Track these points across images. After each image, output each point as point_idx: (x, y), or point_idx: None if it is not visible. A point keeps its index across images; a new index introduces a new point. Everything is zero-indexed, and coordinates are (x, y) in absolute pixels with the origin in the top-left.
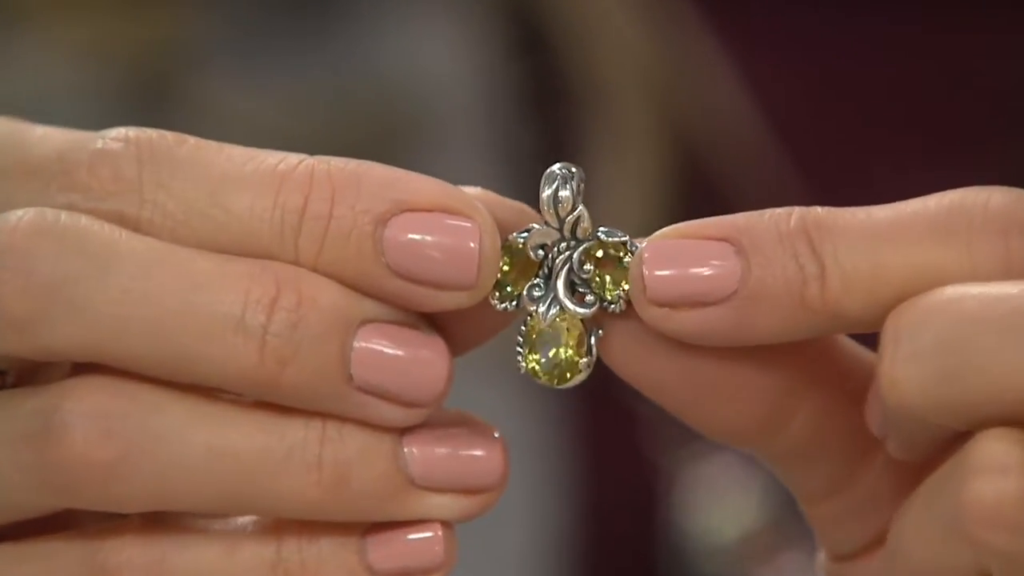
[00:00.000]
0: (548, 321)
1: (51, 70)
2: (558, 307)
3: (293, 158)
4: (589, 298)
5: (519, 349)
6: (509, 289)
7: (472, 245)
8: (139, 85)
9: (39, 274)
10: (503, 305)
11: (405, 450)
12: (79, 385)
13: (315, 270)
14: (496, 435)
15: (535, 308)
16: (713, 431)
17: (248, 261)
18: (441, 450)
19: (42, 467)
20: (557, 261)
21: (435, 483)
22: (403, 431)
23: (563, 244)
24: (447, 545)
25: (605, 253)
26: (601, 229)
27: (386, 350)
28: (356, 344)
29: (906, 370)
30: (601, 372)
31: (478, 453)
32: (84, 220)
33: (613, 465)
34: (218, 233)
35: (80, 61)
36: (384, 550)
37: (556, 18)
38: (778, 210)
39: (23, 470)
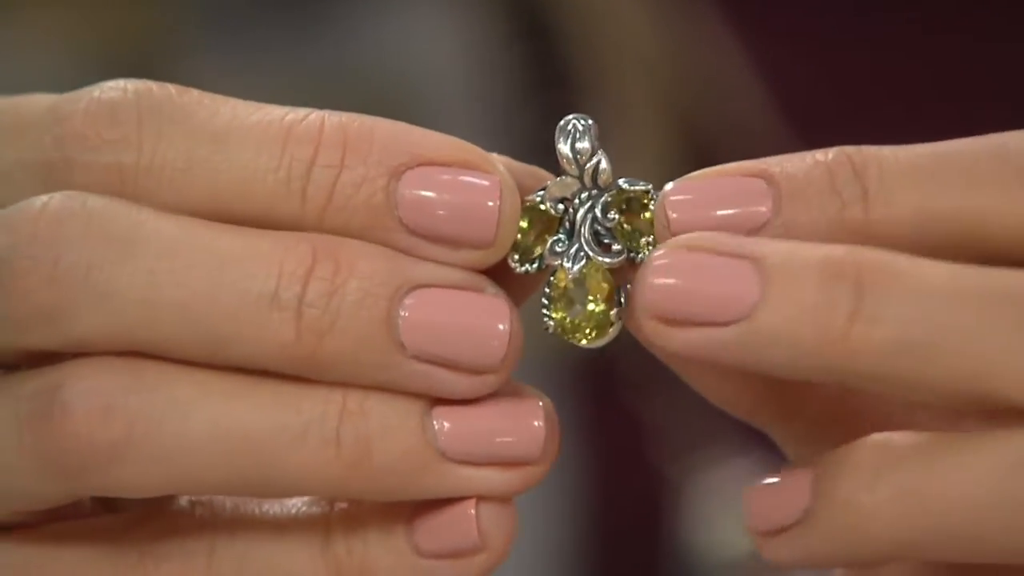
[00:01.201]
0: (575, 274)
1: (32, 58)
2: (585, 258)
3: (302, 110)
4: (616, 247)
5: (544, 309)
6: (529, 251)
7: (491, 203)
8: (124, 72)
9: (65, 262)
10: (523, 268)
11: (435, 423)
12: (81, 364)
13: (320, 224)
14: (540, 403)
15: (560, 262)
16: (728, 407)
17: (280, 233)
18: (473, 420)
19: (45, 450)
20: (580, 212)
21: (469, 456)
22: (433, 403)
23: (584, 194)
24: (487, 523)
25: (628, 203)
26: (621, 179)
27: (436, 315)
28: (404, 311)
29: (866, 328)
30: (608, 382)
31: (515, 423)
32: (109, 203)
33: (620, 475)
34: (221, 184)
35: (62, 48)
36: (429, 530)
37: (559, 5)
38: (814, 151)
39: (27, 454)
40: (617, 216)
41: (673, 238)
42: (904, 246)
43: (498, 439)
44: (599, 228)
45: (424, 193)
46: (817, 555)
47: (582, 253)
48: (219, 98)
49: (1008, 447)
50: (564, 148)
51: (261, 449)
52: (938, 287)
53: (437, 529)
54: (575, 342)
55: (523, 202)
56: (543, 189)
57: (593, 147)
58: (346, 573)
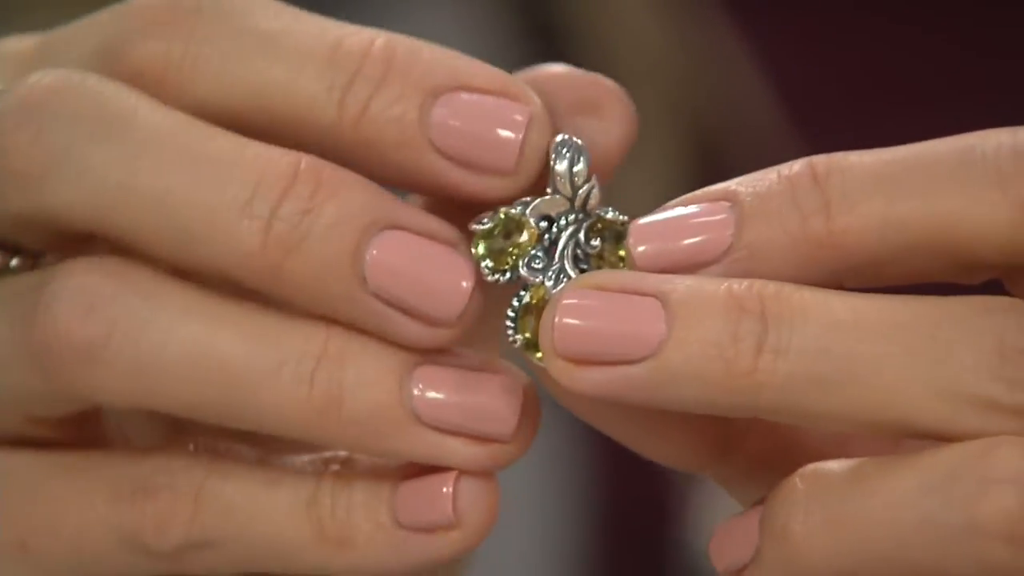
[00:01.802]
0: (554, 294)
1: None
2: (566, 279)
3: (356, 27)
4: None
5: (510, 322)
6: (504, 259)
7: (517, 133)
8: None
9: (49, 131)
10: (495, 277)
11: (413, 384)
12: (73, 264)
13: (355, 133)
14: (522, 384)
15: (540, 279)
16: (662, 458)
17: (270, 147)
18: (452, 388)
19: (29, 344)
20: (565, 234)
21: (441, 423)
22: (416, 364)
23: (572, 216)
24: (464, 501)
25: (607, 232)
26: (602, 207)
27: (403, 258)
28: (373, 248)
29: (774, 363)
30: None
31: (493, 399)
32: (108, 85)
33: (627, 478)
34: (265, 85)
35: None
36: (409, 502)
37: (566, 4)
38: (781, 165)
39: (18, 349)
40: (600, 243)
41: (579, 277)
42: (872, 255)
43: (473, 411)
44: (579, 252)
45: (455, 115)
46: None
47: (564, 276)
48: (281, 4)
49: (921, 470)
50: (561, 167)
51: (235, 378)
52: (842, 318)
53: (416, 502)
54: (537, 360)
55: (498, 210)
56: (524, 202)
57: (589, 170)
58: (327, 533)
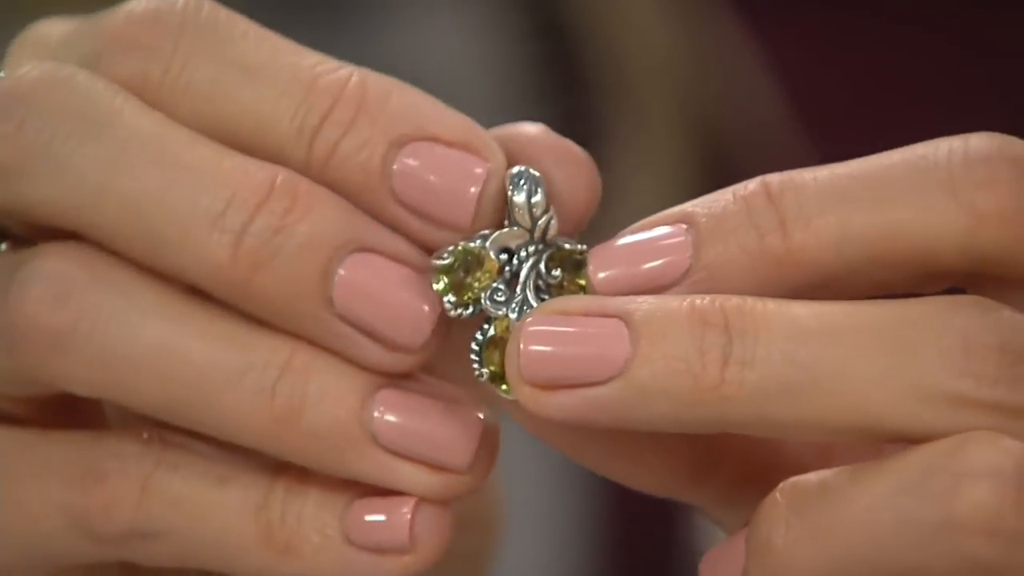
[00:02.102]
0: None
1: None
2: (529, 310)
3: (334, 63)
4: None
5: (475, 356)
6: (461, 292)
7: (473, 190)
8: None
9: (32, 125)
10: (457, 311)
11: (375, 405)
12: (48, 248)
13: (321, 176)
14: (482, 418)
15: (503, 312)
16: (638, 484)
17: (250, 159)
18: (413, 414)
19: (3, 328)
20: (526, 265)
21: (398, 447)
22: (379, 387)
23: (532, 247)
24: (420, 527)
25: (567, 261)
26: (561, 238)
27: (372, 280)
28: (342, 269)
29: (742, 374)
30: None
31: (452, 430)
32: (99, 83)
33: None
34: (240, 116)
35: None
36: (362, 521)
37: (574, 3)
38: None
39: None
40: (560, 273)
41: (542, 304)
42: (830, 269)
43: (429, 439)
44: (540, 283)
45: (416, 167)
46: None
47: (527, 307)
48: (264, 33)
49: (896, 472)
50: (520, 199)
51: (198, 379)
52: (805, 326)
53: (370, 521)
54: (503, 393)
55: (458, 244)
56: (483, 235)
57: (547, 201)
58: (275, 539)
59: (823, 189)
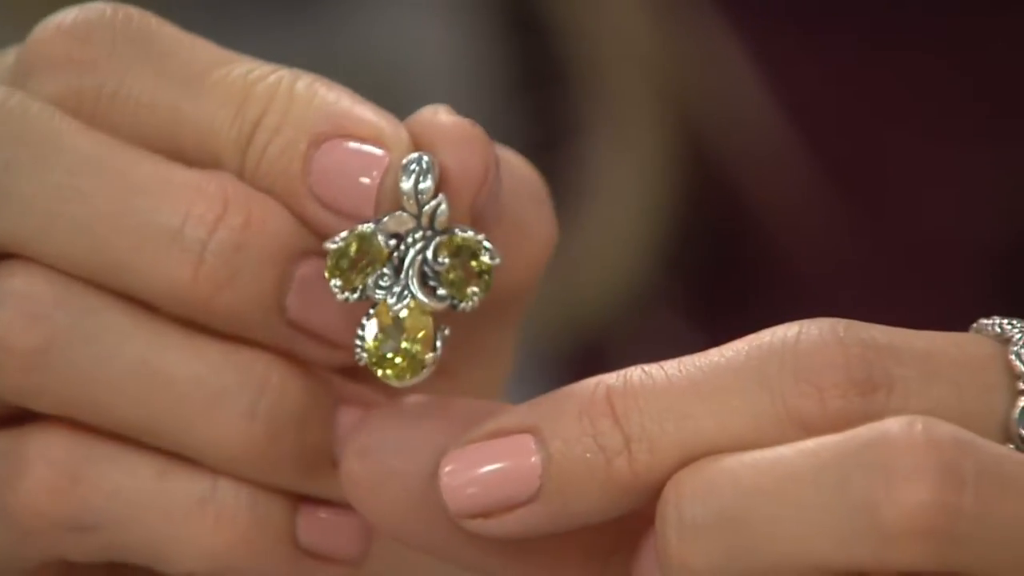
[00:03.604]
0: (396, 312)
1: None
2: (409, 298)
3: (266, 69)
4: (441, 292)
5: (359, 341)
6: (352, 277)
7: (366, 181)
8: None
9: None
10: (344, 295)
11: (338, 423)
12: (13, 268)
13: (253, 182)
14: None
15: (384, 296)
16: None
17: (198, 172)
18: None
19: None
20: (411, 252)
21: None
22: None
23: (419, 234)
24: (367, 537)
25: (459, 249)
26: (458, 225)
27: (318, 289)
28: (294, 278)
29: (691, 547)
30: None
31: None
32: (34, 106)
33: None
34: (176, 129)
35: None
36: (314, 524)
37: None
38: (588, 381)
39: None
40: (447, 260)
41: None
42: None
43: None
44: (427, 270)
45: (326, 163)
46: None
47: (407, 292)
48: (196, 42)
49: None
50: (407, 185)
51: (178, 400)
52: (738, 485)
53: (322, 526)
54: (382, 376)
55: (354, 229)
56: (379, 220)
57: (436, 188)
58: (221, 534)
59: (665, 402)
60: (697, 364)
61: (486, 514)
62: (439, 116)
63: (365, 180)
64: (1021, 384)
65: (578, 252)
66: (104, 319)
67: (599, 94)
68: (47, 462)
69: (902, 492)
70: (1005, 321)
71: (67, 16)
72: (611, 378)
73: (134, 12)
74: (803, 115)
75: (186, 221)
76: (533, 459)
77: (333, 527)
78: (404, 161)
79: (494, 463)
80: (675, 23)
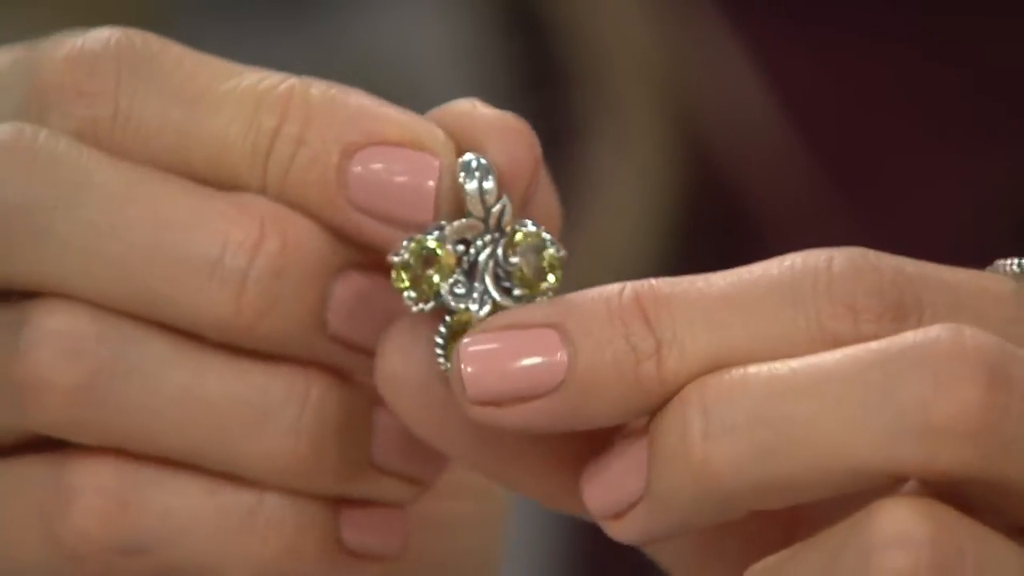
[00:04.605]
0: (481, 318)
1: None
2: (491, 303)
3: (276, 78)
4: (517, 292)
5: (440, 350)
6: (425, 288)
7: (430, 184)
8: None
9: (4, 197)
10: (419, 307)
11: (376, 439)
12: (53, 304)
13: (280, 195)
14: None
15: (465, 305)
16: (529, 494)
17: (230, 198)
18: (403, 432)
19: (6, 383)
20: (482, 255)
21: (390, 467)
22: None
23: (488, 237)
24: (406, 529)
25: (528, 246)
26: (517, 221)
27: (359, 304)
28: (333, 298)
29: (720, 446)
30: None
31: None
32: (62, 143)
33: None
34: (192, 148)
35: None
36: (357, 524)
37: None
38: (614, 285)
39: None
40: (518, 260)
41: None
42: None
43: (415, 453)
44: (499, 272)
45: (370, 172)
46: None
47: (487, 298)
48: (200, 58)
49: (813, 554)
50: (471, 187)
51: (222, 424)
52: (773, 385)
53: (366, 525)
54: None
55: (413, 238)
56: (439, 227)
57: (499, 188)
58: (269, 544)
59: (698, 312)
60: (728, 279)
61: (499, 403)
62: (479, 109)
63: (430, 183)
64: None
65: (579, 252)
66: (145, 350)
67: (600, 95)
68: (95, 489)
69: (952, 392)
70: (1021, 260)
71: (73, 47)
72: (637, 283)
73: (136, 36)
74: (803, 115)
75: (225, 251)
76: (559, 354)
77: (374, 525)
78: (461, 161)
79: (519, 353)
80: (676, 24)
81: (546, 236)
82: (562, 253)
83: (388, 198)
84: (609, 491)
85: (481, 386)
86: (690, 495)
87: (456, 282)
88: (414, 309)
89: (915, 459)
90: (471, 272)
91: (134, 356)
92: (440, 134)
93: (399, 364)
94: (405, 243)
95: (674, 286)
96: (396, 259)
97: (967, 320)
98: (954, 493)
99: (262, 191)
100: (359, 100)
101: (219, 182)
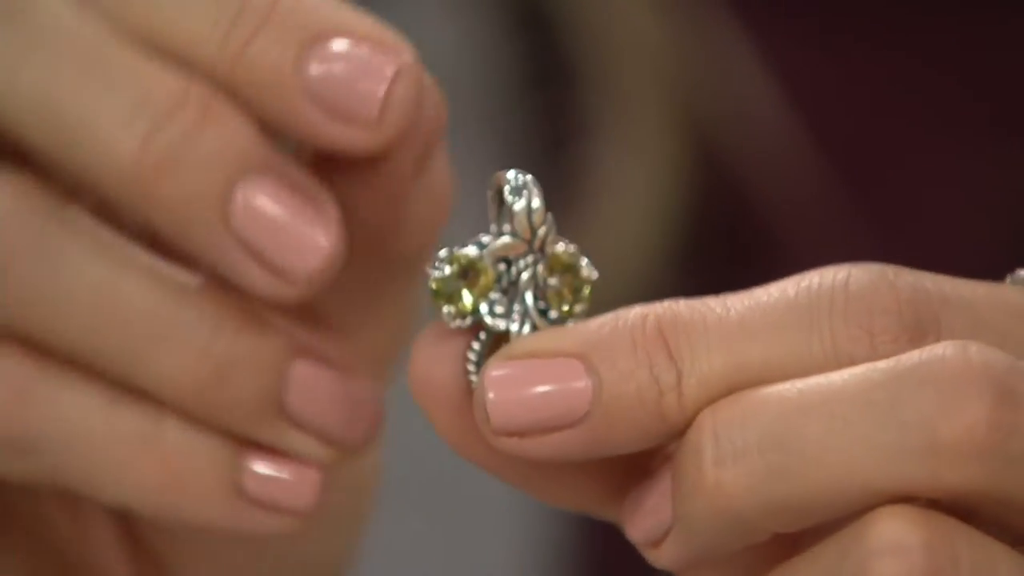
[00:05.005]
0: (518, 337)
1: None
2: (531, 324)
3: None
4: (552, 313)
5: (472, 367)
6: (463, 304)
7: (381, 85)
8: None
9: None
10: (457, 322)
11: (290, 383)
12: None
13: (232, 75)
14: (373, 396)
15: (505, 325)
16: (556, 503)
17: (168, 66)
18: (317, 388)
19: None
20: (524, 275)
21: (303, 419)
22: (295, 359)
23: (530, 257)
24: (315, 491)
25: (565, 267)
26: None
27: (271, 205)
28: (243, 188)
29: (731, 471)
30: None
31: (346, 406)
32: None
33: None
34: (156, 15)
35: None
36: (260, 471)
37: None
38: (635, 311)
39: None
40: (557, 281)
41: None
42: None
43: (332, 416)
44: (537, 292)
45: (328, 63)
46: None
47: (527, 318)
48: None
49: (813, 564)
50: (520, 206)
51: (134, 328)
52: (782, 407)
53: (269, 475)
54: None
55: (452, 251)
56: (479, 243)
57: (545, 208)
58: (165, 470)
59: (716, 338)
60: (745, 303)
61: (523, 434)
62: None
63: (373, 84)
64: None
65: (587, 250)
66: (67, 238)
67: (608, 93)
68: None
69: (959, 410)
70: None
71: None
72: (658, 309)
73: None
74: (812, 115)
75: (141, 106)
76: (582, 384)
77: (279, 477)
78: (509, 179)
79: (544, 384)
80: (685, 22)
81: (581, 257)
82: (595, 275)
83: (341, 93)
84: (646, 520)
85: (504, 416)
86: (709, 521)
87: (495, 301)
88: (452, 325)
89: (921, 478)
90: (508, 290)
91: (55, 242)
92: (403, 41)
93: (433, 373)
94: (442, 255)
95: (693, 311)
96: (437, 274)
97: (987, 337)
98: (961, 507)
99: (216, 67)
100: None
101: (174, 54)
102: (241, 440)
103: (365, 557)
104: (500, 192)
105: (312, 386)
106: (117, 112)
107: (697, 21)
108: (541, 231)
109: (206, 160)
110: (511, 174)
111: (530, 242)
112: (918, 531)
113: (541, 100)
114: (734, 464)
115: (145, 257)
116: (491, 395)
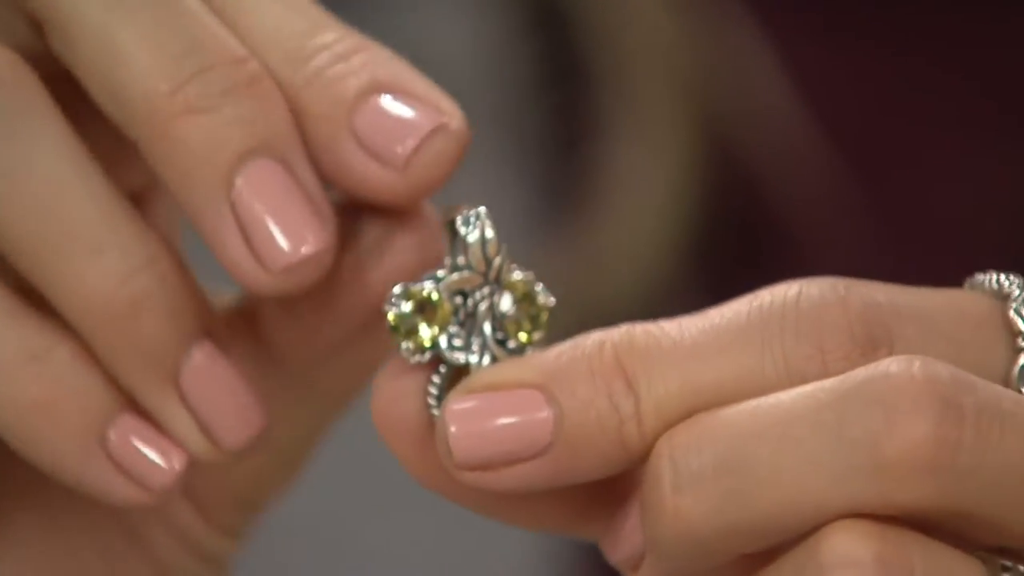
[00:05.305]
0: (477, 369)
1: None
2: (490, 355)
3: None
4: (511, 344)
5: (434, 400)
6: (421, 339)
7: (420, 132)
8: None
9: None
10: (416, 357)
11: (190, 357)
12: None
13: (296, 94)
14: (261, 411)
15: (464, 358)
16: (522, 525)
17: (235, 40)
18: (220, 377)
19: None
20: (481, 307)
21: (190, 399)
22: (202, 340)
23: (486, 288)
24: (176, 478)
25: (522, 295)
26: (511, 271)
27: (275, 188)
28: (255, 162)
29: (688, 497)
30: None
31: (234, 411)
32: None
33: None
34: (252, 18)
35: None
36: (128, 432)
37: None
38: (593, 338)
39: None
40: (513, 310)
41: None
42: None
43: (219, 415)
44: (494, 323)
45: (383, 106)
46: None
47: (487, 349)
48: None
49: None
50: (474, 238)
51: (63, 235)
52: (735, 430)
53: (134, 443)
54: None
55: (407, 286)
56: (432, 276)
57: (498, 239)
58: (40, 397)
59: (671, 364)
60: (698, 325)
61: (486, 467)
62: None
63: (414, 128)
64: (1021, 341)
65: (601, 249)
66: (32, 123)
67: (622, 91)
68: None
69: (903, 427)
70: (1002, 276)
71: None
72: (615, 336)
73: None
74: (825, 112)
75: (191, 51)
76: (544, 414)
77: (144, 447)
78: (464, 210)
79: (505, 416)
80: (698, 20)
81: (537, 283)
82: (551, 301)
83: (380, 137)
84: (624, 546)
85: (467, 449)
86: (674, 546)
87: (454, 334)
88: (412, 360)
89: (871, 496)
90: (467, 322)
91: (15, 122)
92: (456, 109)
93: (394, 409)
94: (399, 290)
95: (649, 337)
96: (396, 310)
97: (942, 347)
98: (919, 521)
99: (284, 83)
100: (400, 62)
101: (253, 41)
102: (126, 397)
103: (366, 557)
104: (453, 224)
105: (211, 371)
106: (166, 47)
107: (711, 19)
108: (496, 261)
109: (234, 119)
110: (465, 207)
111: (485, 273)
112: (871, 544)
113: (556, 99)
114: (691, 490)
115: (105, 176)
116: (453, 429)
